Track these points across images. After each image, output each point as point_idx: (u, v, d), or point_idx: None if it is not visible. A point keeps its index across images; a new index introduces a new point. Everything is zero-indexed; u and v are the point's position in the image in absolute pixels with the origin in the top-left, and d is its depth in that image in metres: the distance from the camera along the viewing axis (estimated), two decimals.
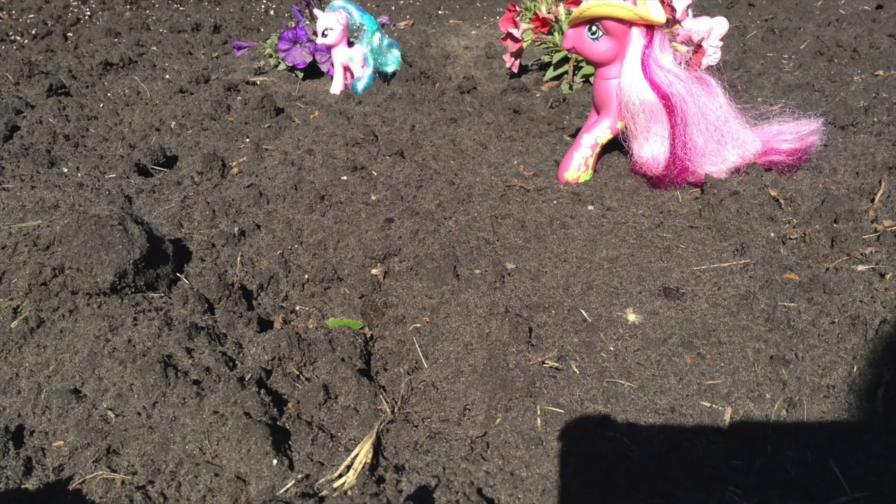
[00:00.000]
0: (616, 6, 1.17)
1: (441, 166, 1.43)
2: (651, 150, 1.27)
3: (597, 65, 1.29)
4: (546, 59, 2.18)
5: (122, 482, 0.70)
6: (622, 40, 1.22)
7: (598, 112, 1.36)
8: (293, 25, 2.13)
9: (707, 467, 0.71)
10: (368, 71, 1.98)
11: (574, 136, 1.54)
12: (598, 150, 1.35)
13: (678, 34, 1.93)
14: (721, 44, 1.95)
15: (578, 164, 1.36)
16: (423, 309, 0.98)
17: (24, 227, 1.15)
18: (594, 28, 1.23)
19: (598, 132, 1.34)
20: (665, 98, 1.21)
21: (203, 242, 1.11)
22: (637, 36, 1.21)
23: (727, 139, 1.24)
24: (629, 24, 1.20)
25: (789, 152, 1.27)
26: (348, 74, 2.01)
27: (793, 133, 1.28)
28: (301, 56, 2.07)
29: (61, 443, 0.74)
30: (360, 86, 1.98)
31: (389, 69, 2.05)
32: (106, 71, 2.18)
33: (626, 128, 1.30)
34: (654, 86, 1.21)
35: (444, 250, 1.09)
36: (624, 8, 1.17)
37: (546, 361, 0.86)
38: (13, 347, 0.88)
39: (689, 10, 1.90)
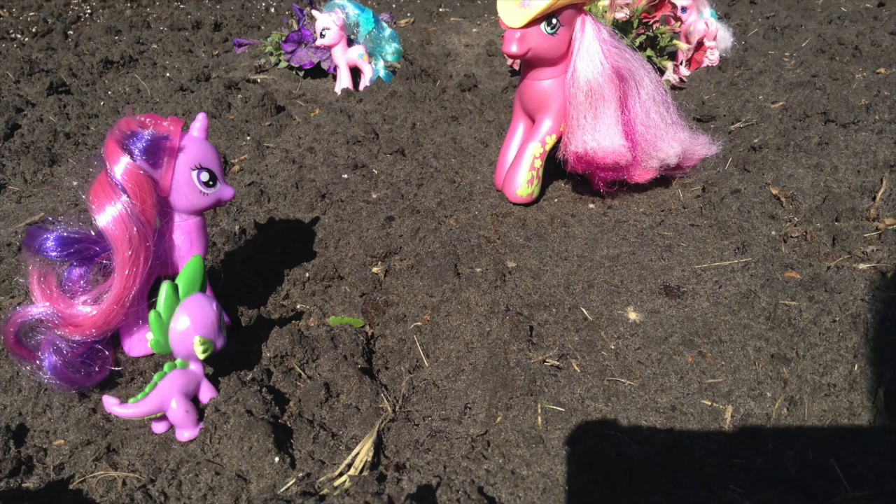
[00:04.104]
0: None
1: (442, 164, 1.43)
2: (609, 138, 1.12)
3: (544, 65, 1.15)
4: None
5: (123, 481, 0.70)
6: (572, 29, 1.12)
7: (531, 119, 1.24)
8: (294, 23, 2.12)
9: (708, 466, 0.71)
10: (377, 64, 1.99)
11: None
12: (545, 157, 1.22)
13: (677, 31, 1.93)
14: (715, 44, 1.95)
15: (530, 178, 1.21)
16: (424, 307, 0.98)
17: (25, 226, 1.15)
18: (554, 21, 1.08)
19: (543, 136, 1.20)
20: (623, 78, 1.12)
21: None
22: (589, 20, 1.11)
23: (672, 130, 1.19)
24: (580, 7, 1.10)
25: (685, 167, 1.29)
26: (360, 74, 2.00)
27: (697, 151, 1.27)
28: (307, 56, 2.06)
29: (62, 441, 0.74)
30: (378, 77, 1.99)
31: (389, 58, 2.04)
32: (106, 69, 2.18)
33: (569, 123, 1.17)
34: (614, 66, 1.12)
35: (444, 249, 1.09)
36: None
37: (547, 360, 0.86)
38: None
39: (704, 9, 1.90)
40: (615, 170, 1.17)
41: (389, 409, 0.80)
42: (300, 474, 0.70)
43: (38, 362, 0.75)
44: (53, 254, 0.73)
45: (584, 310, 0.96)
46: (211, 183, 0.79)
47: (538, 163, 1.21)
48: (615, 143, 1.12)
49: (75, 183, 1.38)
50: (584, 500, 0.68)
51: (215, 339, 0.72)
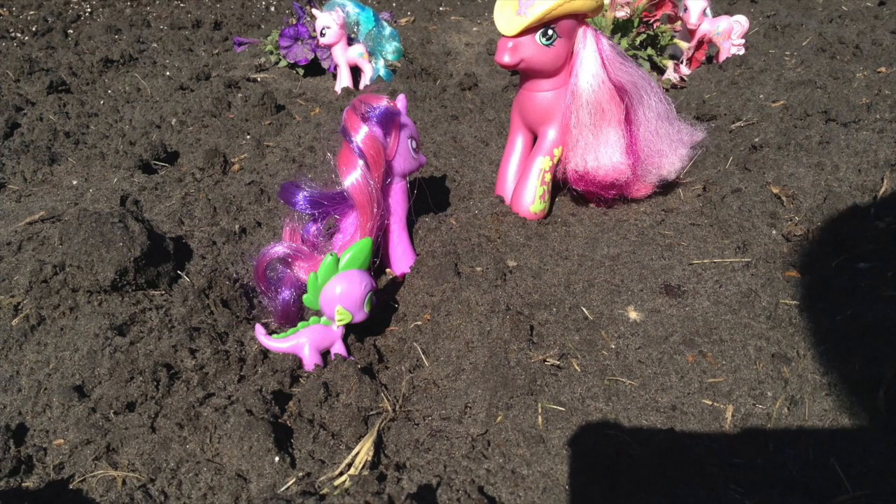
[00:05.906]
0: None
1: (442, 163, 1.43)
2: (609, 156, 1.10)
3: (540, 76, 1.10)
4: None
5: (123, 480, 0.70)
6: (572, 42, 1.08)
7: (530, 131, 1.20)
8: (294, 22, 2.12)
9: (708, 465, 0.71)
10: (377, 63, 1.98)
11: None
12: (554, 170, 1.17)
13: (679, 30, 1.92)
14: (743, 41, 1.96)
15: (542, 193, 1.17)
16: (425, 307, 0.98)
17: (25, 225, 1.15)
18: (549, 32, 1.03)
19: (550, 149, 1.16)
20: (626, 93, 1.09)
21: (204, 240, 1.11)
22: (590, 32, 1.08)
23: (674, 146, 1.18)
24: (582, 18, 1.07)
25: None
26: (360, 73, 2.00)
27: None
28: (303, 53, 2.06)
29: (62, 441, 0.74)
30: (378, 76, 1.98)
31: (389, 57, 2.04)
32: (106, 68, 2.18)
33: (568, 140, 1.14)
34: (615, 82, 1.08)
35: (445, 248, 1.08)
36: None
37: (547, 359, 0.86)
38: (14, 345, 0.88)
39: (707, 11, 1.90)
40: (614, 187, 1.15)
41: (389, 408, 0.80)
42: (300, 474, 0.70)
43: (273, 293, 0.88)
44: (303, 208, 0.90)
45: (584, 309, 0.96)
46: (417, 150, 0.99)
47: (548, 177, 1.17)
48: (615, 161, 1.11)
49: (75, 182, 1.38)
50: (585, 500, 0.68)
51: (355, 312, 0.82)
